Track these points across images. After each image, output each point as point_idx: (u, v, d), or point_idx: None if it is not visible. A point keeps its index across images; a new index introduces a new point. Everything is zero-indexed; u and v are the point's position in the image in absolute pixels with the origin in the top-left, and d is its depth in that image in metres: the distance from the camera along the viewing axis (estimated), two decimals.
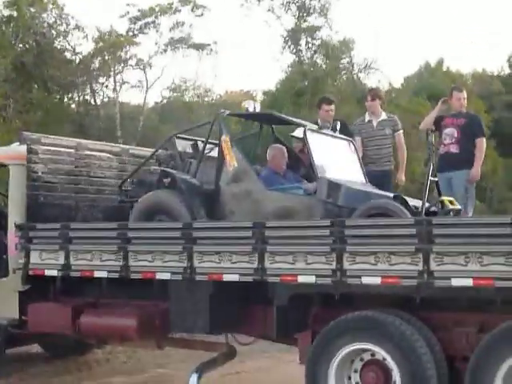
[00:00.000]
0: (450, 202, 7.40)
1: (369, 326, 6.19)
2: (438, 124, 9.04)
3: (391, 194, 7.34)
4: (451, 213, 7.33)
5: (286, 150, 8.17)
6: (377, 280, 6.04)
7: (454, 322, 6.26)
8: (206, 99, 34.29)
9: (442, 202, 7.38)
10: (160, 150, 8.81)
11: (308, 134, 7.63)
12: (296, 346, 6.92)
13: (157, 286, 7.43)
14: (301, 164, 8.37)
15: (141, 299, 7.82)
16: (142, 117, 30.34)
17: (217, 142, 7.99)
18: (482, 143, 8.77)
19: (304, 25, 29.22)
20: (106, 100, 30.93)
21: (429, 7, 62.27)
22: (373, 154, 9.16)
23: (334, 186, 7.25)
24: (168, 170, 8.09)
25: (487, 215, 6.77)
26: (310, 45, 28.90)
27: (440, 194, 7.78)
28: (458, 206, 7.52)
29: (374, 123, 9.24)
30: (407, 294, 6.12)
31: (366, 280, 6.08)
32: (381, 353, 6.13)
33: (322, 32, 29.18)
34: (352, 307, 6.40)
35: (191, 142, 8.60)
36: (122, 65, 30.27)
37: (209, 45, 32.22)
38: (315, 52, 28.84)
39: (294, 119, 8.54)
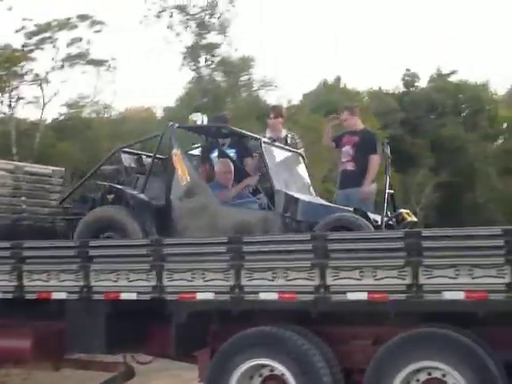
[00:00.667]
0: (407, 215, 7.49)
1: (267, 342, 6.22)
2: (340, 141, 9.20)
3: (351, 208, 7.36)
4: (408, 226, 7.44)
5: (232, 164, 8.14)
6: (274, 296, 6.07)
7: (350, 336, 6.36)
8: (105, 115, 33.88)
9: (400, 215, 7.47)
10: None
11: (263, 146, 7.62)
12: (196, 363, 6.89)
13: (53, 306, 7.23)
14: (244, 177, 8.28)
15: (37, 319, 7.58)
16: (38, 133, 29.72)
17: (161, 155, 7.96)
18: (373, 160, 8.93)
19: (203, 42, 29.31)
20: (1, 116, 30.19)
21: (327, 25, 63.54)
22: None
23: (291, 200, 7.24)
24: (116, 185, 7.89)
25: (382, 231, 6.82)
26: (209, 62, 29.00)
27: (395, 207, 7.92)
28: (415, 219, 7.64)
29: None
30: (304, 308, 6.17)
31: (263, 296, 6.11)
32: (279, 368, 6.16)
33: (221, 49, 29.37)
34: (251, 323, 6.42)
35: (135, 157, 8.42)
36: (18, 80, 29.63)
37: (107, 61, 31.93)
38: (214, 69, 28.95)
39: (247, 132, 8.50)
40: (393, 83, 45.42)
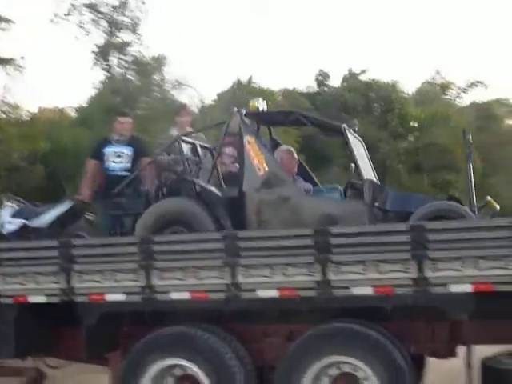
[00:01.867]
0: (490, 203, 7.16)
1: (178, 342, 6.21)
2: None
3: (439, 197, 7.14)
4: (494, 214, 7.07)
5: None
6: (185, 295, 6.06)
7: (262, 333, 6.41)
8: (14, 116, 33.03)
9: (489, 203, 7.13)
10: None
11: (348, 133, 7.13)
12: (108, 366, 6.82)
13: None
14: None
15: None
16: None
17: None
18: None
19: (115, 40, 28.95)
20: None
21: (241, 25, 63.63)
22: None
23: (380, 189, 6.94)
24: (188, 177, 7.20)
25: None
26: (121, 61, 28.68)
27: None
28: (497, 206, 7.14)
29: None
30: (217, 307, 6.19)
31: (174, 295, 6.09)
32: (191, 367, 6.17)
33: (133, 48, 29.03)
34: (163, 323, 6.39)
35: (190, 146, 7.74)
36: None
37: (15, 60, 31.11)
38: (127, 68, 28.64)
39: (326, 119, 7.95)
40: (306, 83, 45.92)
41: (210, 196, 6.98)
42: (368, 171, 7.28)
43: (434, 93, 29.42)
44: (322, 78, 39.40)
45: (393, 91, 37.36)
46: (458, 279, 5.51)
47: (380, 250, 5.67)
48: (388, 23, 63.76)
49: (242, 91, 33.93)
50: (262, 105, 7.32)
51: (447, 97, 27.88)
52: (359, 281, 5.69)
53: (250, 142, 7.01)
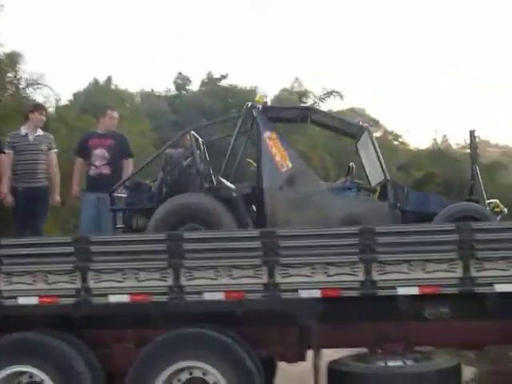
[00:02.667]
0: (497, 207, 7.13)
1: (25, 348, 6.02)
2: (86, 143, 8.99)
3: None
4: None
5: None
6: (33, 300, 5.90)
7: (113, 339, 6.31)
8: None
9: (496, 205, 7.13)
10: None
11: (369, 132, 7.18)
12: None
13: None
14: None
15: None
16: None
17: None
18: (128, 164, 8.81)
19: None
20: None
21: (98, 24, 62.73)
22: (28, 168, 8.80)
23: (401, 190, 6.91)
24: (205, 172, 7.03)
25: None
26: None
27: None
28: (505, 209, 7.19)
29: (31, 137, 8.92)
30: (67, 312, 6.03)
31: (22, 300, 5.92)
32: (39, 375, 5.97)
33: None
34: (10, 329, 6.18)
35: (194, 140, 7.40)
36: None
37: None
38: None
39: (343, 117, 7.95)
40: (165, 85, 45.70)
41: (227, 192, 6.80)
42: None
43: (291, 101, 29.98)
44: (181, 82, 39.40)
45: (251, 97, 37.66)
46: (307, 285, 5.67)
47: (233, 256, 5.74)
48: (251, 28, 64.68)
49: (99, 91, 33.39)
50: (268, 100, 7.15)
51: (304, 105, 28.51)
52: (211, 286, 5.74)
53: (271, 138, 6.85)
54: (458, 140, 35.68)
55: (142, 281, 5.75)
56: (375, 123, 39.24)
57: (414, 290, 5.65)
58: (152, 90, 39.39)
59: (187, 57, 60.82)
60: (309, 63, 53.92)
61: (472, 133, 7.47)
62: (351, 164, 7.49)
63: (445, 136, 46.79)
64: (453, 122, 69.34)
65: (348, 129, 7.86)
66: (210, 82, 38.81)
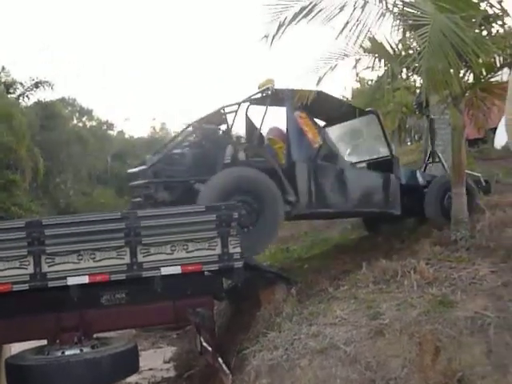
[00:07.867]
0: None
1: None
2: None
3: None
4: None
5: None
6: None
7: None
8: None
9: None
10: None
11: (376, 115, 8.53)
12: None
13: None
14: None
15: None
16: None
17: None
18: None
19: None
20: None
21: None
22: None
23: (399, 165, 8.29)
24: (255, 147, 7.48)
25: None
26: None
27: None
28: None
29: None
30: None
31: None
32: None
33: None
34: None
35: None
36: None
37: None
38: None
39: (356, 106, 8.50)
40: None
41: (269, 164, 7.14)
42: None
43: None
44: None
45: None
46: None
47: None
48: None
49: None
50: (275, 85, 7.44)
51: (12, 95, 27.43)
52: None
53: (302, 116, 7.40)
54: (176, 128, 36.60)
55: None
56: (88, 112, 39.12)
57: (84, 279, 5.80)
58: None
59: None
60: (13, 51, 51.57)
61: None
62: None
63: (163, 124, 47.96)
64: (171, 110, 71.13)
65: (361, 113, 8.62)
66: None
